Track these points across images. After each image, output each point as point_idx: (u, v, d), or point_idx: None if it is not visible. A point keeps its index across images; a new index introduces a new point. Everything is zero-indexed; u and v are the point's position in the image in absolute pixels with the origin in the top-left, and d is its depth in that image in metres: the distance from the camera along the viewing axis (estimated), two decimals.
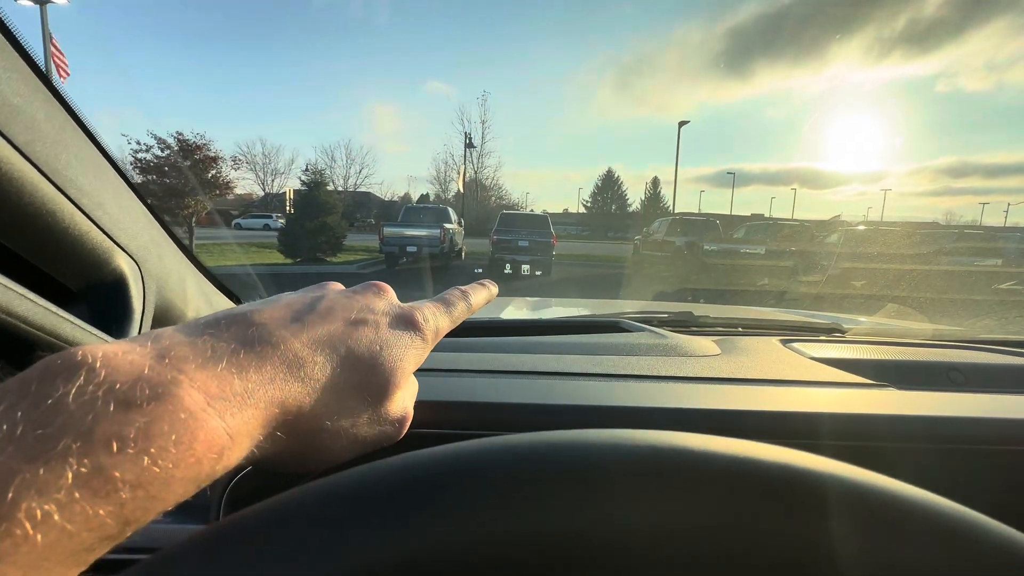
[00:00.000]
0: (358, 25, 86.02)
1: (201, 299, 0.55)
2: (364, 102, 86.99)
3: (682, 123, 29.06)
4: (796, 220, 16.54)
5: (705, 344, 0.74)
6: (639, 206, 50.28)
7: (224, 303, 0.62)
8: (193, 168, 12.25)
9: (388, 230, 11.87)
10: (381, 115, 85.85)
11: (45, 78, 0.34)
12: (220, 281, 0.63)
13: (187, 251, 0.55)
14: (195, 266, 0.57)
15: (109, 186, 0.40)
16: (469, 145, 34.41)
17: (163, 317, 0.47)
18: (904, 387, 0.56)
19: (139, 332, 0.41)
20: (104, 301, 0.38)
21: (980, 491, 0.30)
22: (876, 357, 0.72)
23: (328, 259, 12.71)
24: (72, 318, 0.33)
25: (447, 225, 12.12)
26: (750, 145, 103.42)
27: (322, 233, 12.48)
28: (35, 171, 0.30)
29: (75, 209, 0.33)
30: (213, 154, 12.75)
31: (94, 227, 0.36)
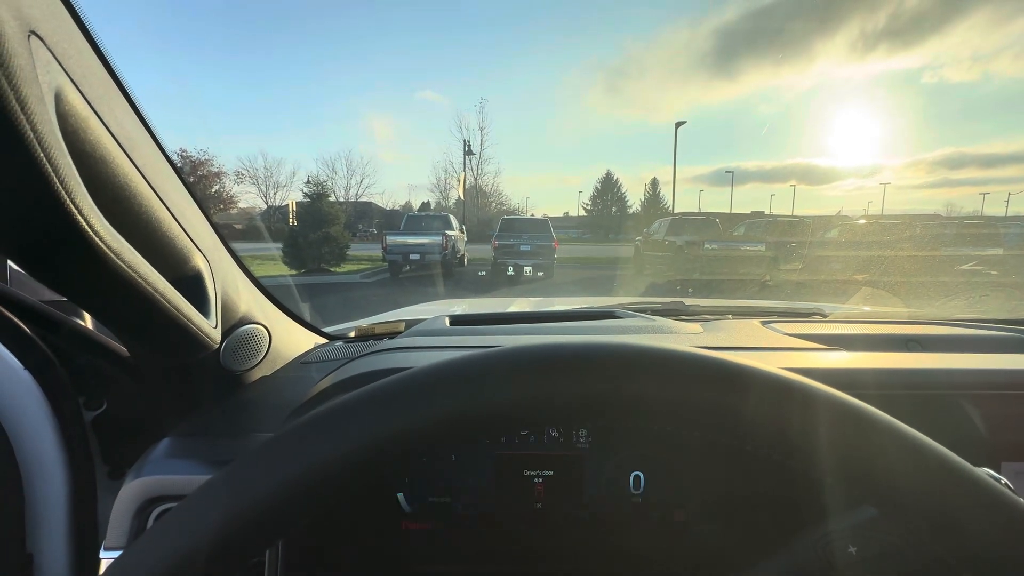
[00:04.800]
0: (354, 36, 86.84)
1: (249, 296, 0.65)
2: (363, 113, 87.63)
3: (679, 124, 29.23)
4: (796, 216, 16.59)
5: (691, 326, 0.82)
6: (639, 207, 50.38)
7: (265, 303, 0.71)
8: (197, 184, 12.41)
9: (391, 239, 11.99)
10: (380, 125, 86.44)
11: (140, 114, 0.43)
12: (260, 282, 0.72)
13: (234, 255, 0.64)
14: (240, 268, 0.66)
15: (184, 198, 0.49)
16: (468, 152, 34.63)
17: (225, 308, 0.56)
18: (854, 349, 0.64)
19: (216, 318, 0.50)
20: (191, 291, 0.47)
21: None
22: (844, 332, 0.80)
23: (332, 269, 12.84)
24: (191, 307, 0.43)
25: (449, 232, 12.23)
26: (745, 143, 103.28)
27: (326, 243, 12.63)
28: (148, 187, 0.39)
29: (171, 216, 0.43)
30: (216, 169, 12.92)
31: (182, 231, 0.45)
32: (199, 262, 0.49)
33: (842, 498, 0.25)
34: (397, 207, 45.61)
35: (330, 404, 0.26)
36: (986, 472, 0.31)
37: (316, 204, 13.15)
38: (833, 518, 0.41)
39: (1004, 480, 0.33)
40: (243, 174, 34.75)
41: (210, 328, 0.48)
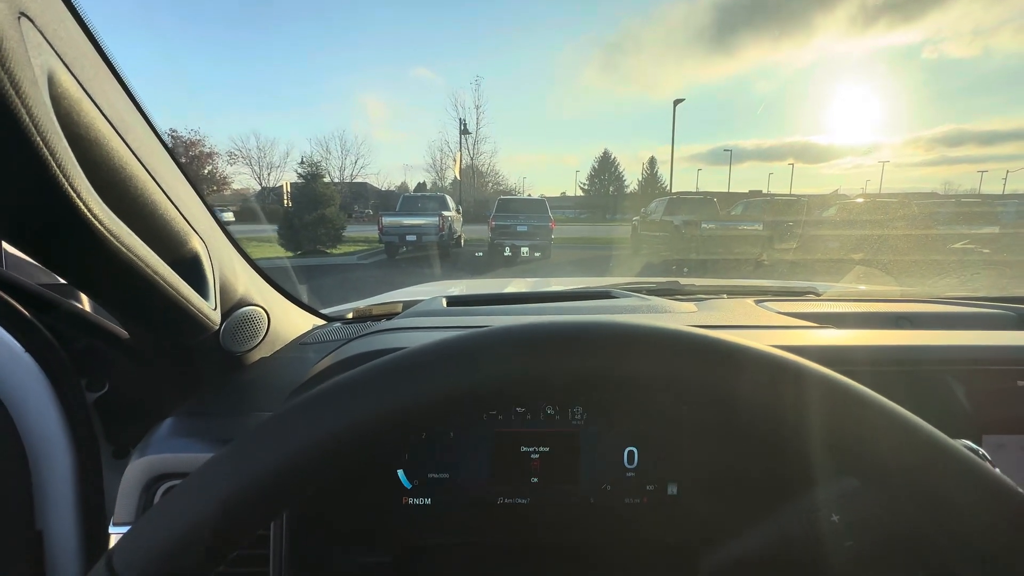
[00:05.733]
0: (345, 10, 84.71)
1: (247, 278, 0.65)
2: (357, 91, 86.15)
3: (677, 101, 28.80)
4: (794, 195, 16.57)
5: (685, 305, 0.83)
6: (636, 187, 50.07)
7: (263, 285, 0.72)
8: (189, 165, 12.25)
9: (387, 220, 11.91)
10: (374, 104, 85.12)
11: (132, 96, 0.43)
12: (257, 264, 0.72)
13: (231, 237, 0.64)
14: (237, 250, 0.66)
15: (178, 180, 0.49)
16: (464, 131, 34.17)
17: (223, 290, 0.56)
18: (846, 327, 0.66)
19: (215, 300, 0.51)
20: (189, 273, 0.48)
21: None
22: (836, 310, 0.82)
23: (328, 251, 12.78)
24: (190, 289, 0.44)
25: (445, 213, 12.15)
26: (743, 121, 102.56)
27: (321, 225, 12.54)
28: (143, 169, 0.39)
29: (167, 199, 0.43)
30: (208, 150, 12.73)
31: (178, 214, 0.45)
32: (196, 244, 0.49)
33: (828, 470, 0.26)
34: (393, 188, 45.20)
35: (329, 382, 0.27)
36: (965, 444, 0.32)
37: (311, 185, 13.01)
38: (818, 489, 0.43)
39: (982, 451, 0.34)
40: (236, 155, 34.28)
41: (209, 310, 0.48)
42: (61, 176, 0.29)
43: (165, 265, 0.41)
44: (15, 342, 0.62)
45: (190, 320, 0.46)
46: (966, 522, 0.24)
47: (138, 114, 0.42)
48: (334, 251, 12.91)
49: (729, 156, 61.60)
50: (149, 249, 0.39)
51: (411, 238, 11.65)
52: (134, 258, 0.36)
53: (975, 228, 8.73)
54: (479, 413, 0.27)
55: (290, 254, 12.20)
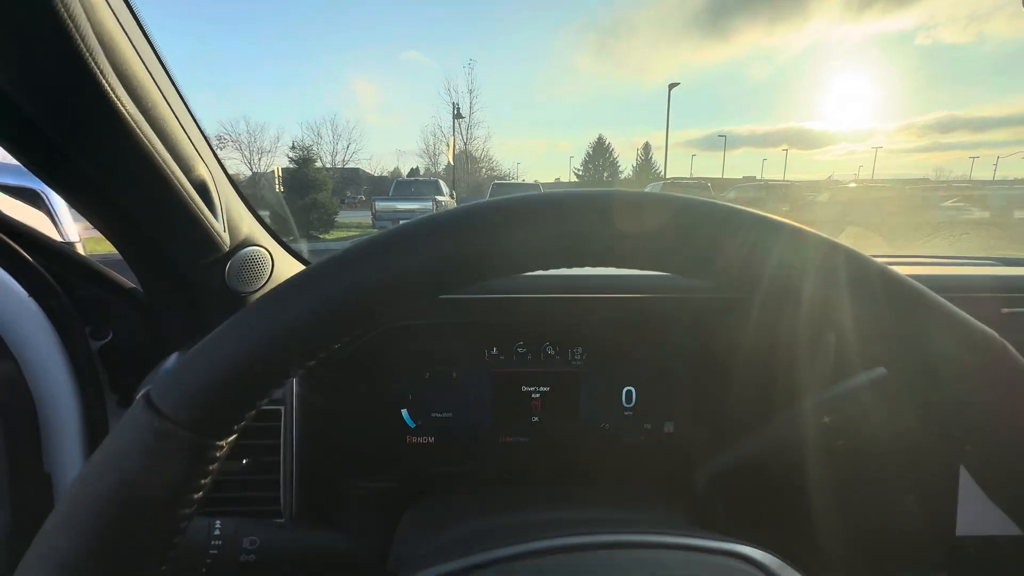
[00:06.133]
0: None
1: (250, 221, 0.65)
2: (348, 74, 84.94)
3: (672, 85, 28.65)
4: (787, 181, 16.62)
5: None
6: (631, 173, 49.95)
7: (264, 232, 0.72)
8: None
9: (380, 205, 11.87)
10: (365, 88, 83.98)
11: (142, 27, 0.43)
12: (257, 211, 0.72)
13: (232, 181, 0.64)
14: (239, 195, 0.66)
15: (186, 113, 0.49)
16: (457, 116, 33.79)
17: (229, 226, 0.57)
18: None
19: (223, 222, 0.52)
20: (201, 195, 0.48)
21: None
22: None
23: (321, 236, 12.70)
24: (204, 205, 0.45)
25: (439, 198, 12.12)
26: (737, 107, 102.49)
27: (313, 210, 12.44)
28: (157, 89, 0.40)
29: (177, 123, 0.43)
30: None
31: (188, 140, 0.46)
32: (203, 172, 0.49)
33: (816, 347, 0.26)
34: (386, 174, 44.76)
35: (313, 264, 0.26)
36: None
37: (302, 170, 12.87)
38: (810, 395, 0.44)
39: None
40: (225, 139, 33.80)
41: (221, 230, 0.49)
42: (96, 69, 0.30)
43: (183, 176, 0.42)
44: (19, 286, 0.62)
45: (204, 236, 0.47)
46: (940, 360, 0.23)
47: (146, 42, 0.42)
48: (327, 236, 12.82)
49: (723, 142, 61.40)
50: (169, 156, 0.40)
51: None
52: (159, 161, 0.37)
53: (967, 215, 8.84)
54: (474, 281, 0.25)
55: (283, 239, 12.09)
